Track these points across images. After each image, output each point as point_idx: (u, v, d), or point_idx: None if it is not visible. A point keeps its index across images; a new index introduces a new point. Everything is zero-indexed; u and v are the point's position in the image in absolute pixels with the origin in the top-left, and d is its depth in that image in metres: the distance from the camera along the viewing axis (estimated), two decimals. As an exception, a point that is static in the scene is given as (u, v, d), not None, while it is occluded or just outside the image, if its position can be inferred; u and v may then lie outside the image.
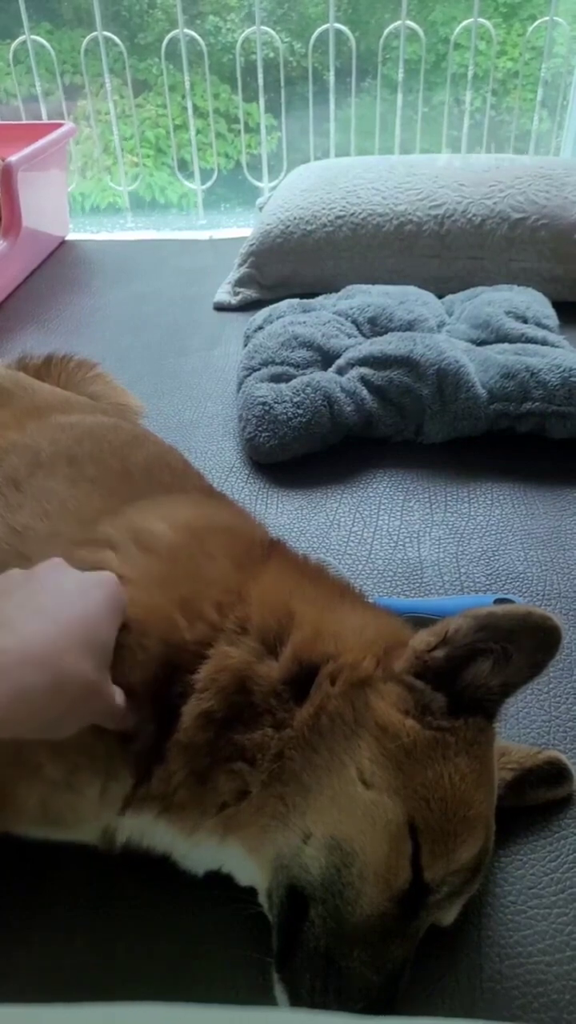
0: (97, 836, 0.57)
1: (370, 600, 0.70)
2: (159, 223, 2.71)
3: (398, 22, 2.29)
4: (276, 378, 1.20)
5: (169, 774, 0.54)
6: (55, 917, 0.59)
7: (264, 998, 0.52)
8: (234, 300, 1.66)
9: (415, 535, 1.00)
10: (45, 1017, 0.31)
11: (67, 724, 0.48)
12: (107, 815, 0.56)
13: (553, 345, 1.26)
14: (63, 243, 2.06)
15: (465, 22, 2.30)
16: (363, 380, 1.17)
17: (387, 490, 1.08)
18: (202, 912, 0.59)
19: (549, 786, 0.67)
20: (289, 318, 1.35)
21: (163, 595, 0.57)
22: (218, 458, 1.15)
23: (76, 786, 0.54)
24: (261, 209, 1.96)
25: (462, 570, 0.94)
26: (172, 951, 0.57)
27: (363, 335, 1.31)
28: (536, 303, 1.41)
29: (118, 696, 0.52)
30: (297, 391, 1.14)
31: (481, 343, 1.28)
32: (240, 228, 2.32)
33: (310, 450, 1.13)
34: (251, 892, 0.56)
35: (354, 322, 1.34)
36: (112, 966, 0.56)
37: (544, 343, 1.26)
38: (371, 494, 1.08)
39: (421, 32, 2.30)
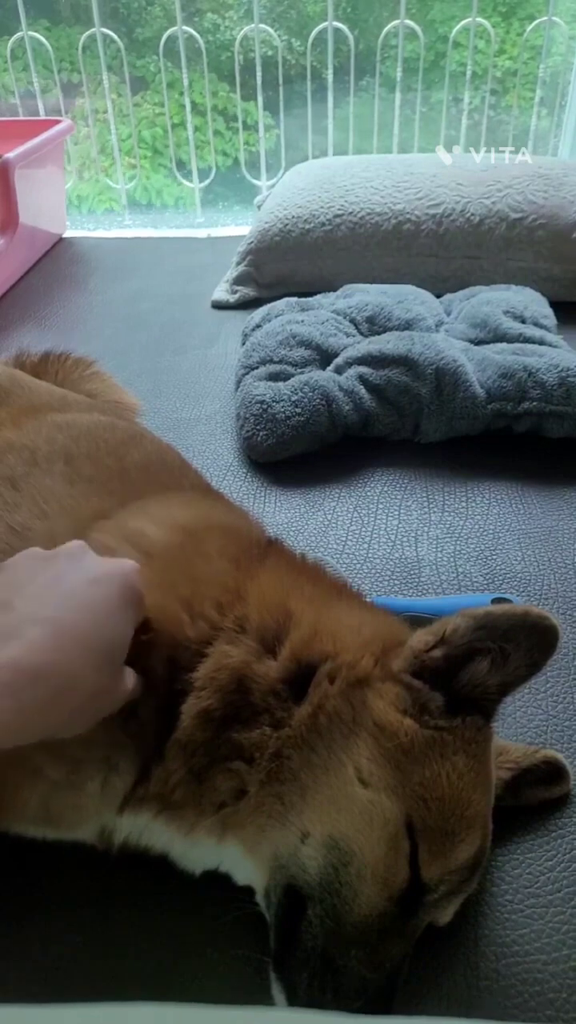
0: (95, 835, 0.57)
1: (368, 599, 0.70)
2: (157, 221, 2.71)
3: (397, 21, 2.29)
4: (274, 377, 1.20)
5: (168, 773, 0.54)
6: (53, 917, 0.59)
7: (262, 998, 0.51)
8: (232, 298, 1.66)
9: (413, 534, 1.00)
10: (44, 1017, 0.31)
11: (74, 727, 0.48)
12: (106, 813, 0.55)
13: (551, 345, 1.26)
14: (60, 240, 2.05)
15: (464, 21, 2.30)
16: (361, 379, 1.17)
17: (385, 489, 1.08)
18: (200, 912, 0.58)
19: (546, 785, 0.67)
20: (287, 317, 1.35)
21: (164, 595, 0.56)
22: (216, 457, 1.15)
23: (77, 783, 0.54)
24: (259, 207, 1.96)
25: (459, 569, 0.94)
26: (169, 951, 0.57)
27: (361, 334, 1.31)
28: (534, 303, 1.41)
29: (129, 678, 0.51)
30: (295, 390, 1.14)
31: (479, 343, 1.28)
32: (238, 226, 2.32)
33: (308, 449, 1.13)
34: (248, 891, 0.56)
35: (352, 321, 1.34)
36: (110, 966, 0.56)
37: (542, 343, 1.26)
38: (369, 493, 1.08)
39: (420, 31, 2.30)
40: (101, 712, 0.50)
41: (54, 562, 0.52)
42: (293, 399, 1.13)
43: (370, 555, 0.96)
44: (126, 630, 0.51)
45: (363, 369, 1.18)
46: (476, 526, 1.01)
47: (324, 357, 1.25)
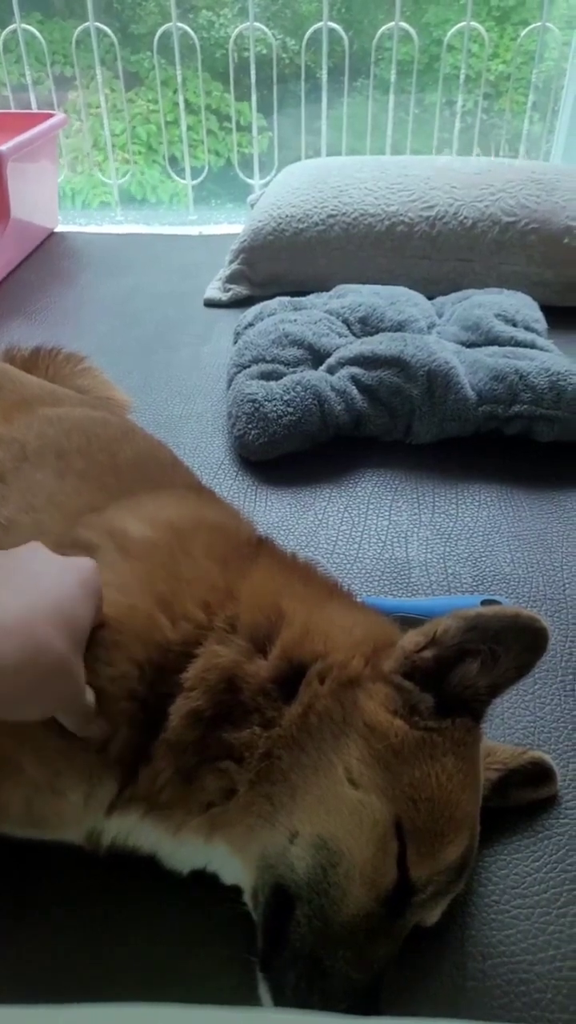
0: (82, 837, 0.57)
1: (358, 599, 0.70)
2: (149, 218, 2.70)
3: (392, 23, 2.29)
4: (266, 376, 1.20)
5: (156, 773, 0.53)
6: (53, 917, 0.58)
7: (250, 998, 0.51)
8: (224, 297, 1.66)
9: (403, 535, 1.00)
10: (44, 1017, 0.31)
11: (37, 701, 0.47)
12: (91, 819, 0.55)
13: (542, 349, 1.27)
14: (52, 235, 2.04)
15: (458, 25, 2.31)
16: (353, 379, 1.17)
17: (376, 490, 1.09)
18: (200, 911, 0.58)
19: (533, 786, 0.67)
20: (280, 316, 1.34)
21: (141, 596, 0.56)
22: (207, 455, 1.15)
23: (60, 790, 0.54)
24: (252, 206, 1.96)
25: (449, 571, 0.94)
26: (158, 951, 0.57)
27: (354, 335, 1.31)
28: (525, 307, 1.42)
29: (89, 695, 0.51)
30: (287, 389, 1.14)
31: (471, 345, 1.29)
32: (231, 224, 2.32)
33: (299, 448, 1.13)
34: (236, 891, 0.55)
35: (345, 321, 1.34)
36: (109, 966, 0.56)
37: (533, 346, 1.27)
38: (360, 493, 1.08)
39: (414, 33, 2.30)
40: (61, 696, 0.49)
41: (14, 556, 0.52)
42: (285, 398, 1.13)
43: (360, 555, 0.96)
44: (87, 615, 0.51)
45: (355, 370, 1.18)
46: (466, 528, 1.01)
47: (316, 357, 1.25)
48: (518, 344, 1.27)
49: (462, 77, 2.36)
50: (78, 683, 0.49)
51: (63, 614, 0.48)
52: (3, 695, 0.45)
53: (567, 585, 0.92)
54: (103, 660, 0.53)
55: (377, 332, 1.29)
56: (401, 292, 1.45)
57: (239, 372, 1.22)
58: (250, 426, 1.12)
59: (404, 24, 2.29)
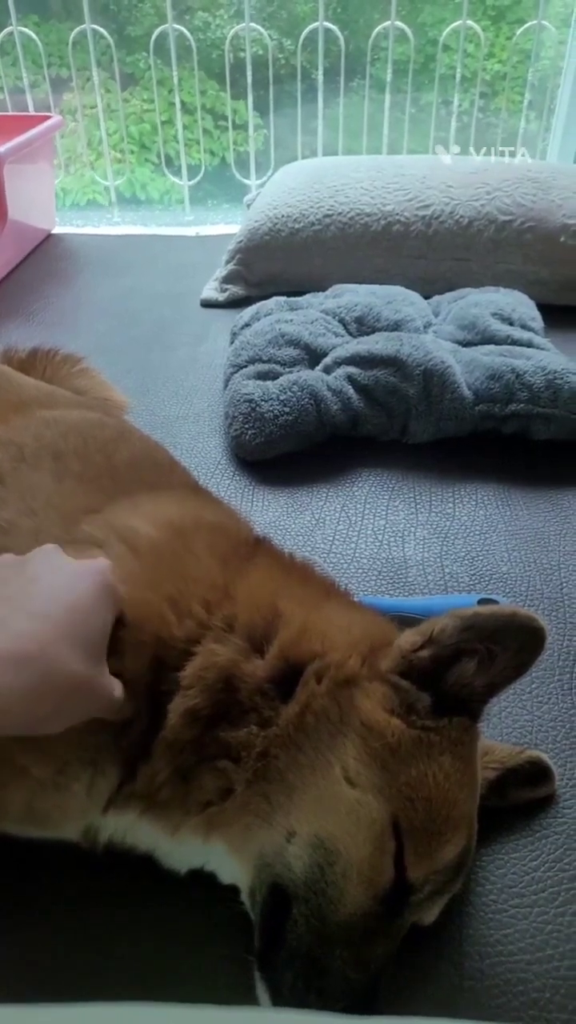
0: (79, 835, 0.57)
1: (355, 599, 0.70)
2: (146, 218, 2.70)
3: (387, 22, 2.29)
4: (263, 376, 1.20)
5: (154, 772, 0.54)
6: (41, 916, 0.58)
7: (248, 997, 0.51)
8: (221, 297, 1.66)
9: (400, 534, 1.00)
10: (44, 1017, 0.31)
11: (60, 720, 0.48)
12: (91, 813, 0.55)
13: (538, 347, 1.27)
14: (49, 236, 2.04)
15: (454, 24, 2.31)
16: (350, 379, 1.17)
17: (372, 489, 1.09)
18: (188, 911, 0.58)
19: (531, 786, 0.67)
20: (276, 316, 1.35)
21: (152, 592, 0.56)
22: (204, 455, 1.15)
23: (63, 784, 0.54)
24: (249, 206, 1.96)
25: (446, 570, 0.94)
26: (157, 951, 0.57)
27: (350, 334, 1.32)
28: (521, 305, 1.42)
29: (117, 688, 0.52)
30: (284, 389, 1.14)
31: (467, 344, 1.29)
32: (227, 225, 2.32)
33: (296, 448, 1.13)
34: (234, 890, 0.55)
35: (341, 321, 1.34)
36: (99, 966, 0.56)
37: (529, 345, 1.27)
38: (356, 493, 1.08)
39: (410, 33, 2.30)
40: (86, 707, 0.50)
41: (28, 565, 0.52)
42: (281, 398, 1.13)
43: (357, 555, 0.96)
44: (105, 624, 0.52)
45: (351, 369, 1.18)
46: (463, 527, 1.01)
47: (313, 357, 1.25)
48: (515, 343, 1.27)
49: (458, 76, 2.36)
50: (101, 693, 0.50)
51: (78, 629, 0.49)
52: (26, 720, 0.46)
53: (564, 584, 0.92)
54: (122, 656, 0.53)
55: (373, 332, 1.29)
56: (397, 291, 1.45)
57: (236, 372, 1.22)
58: (247, 426, 1.12)
59: (400, 24, 2.29)
